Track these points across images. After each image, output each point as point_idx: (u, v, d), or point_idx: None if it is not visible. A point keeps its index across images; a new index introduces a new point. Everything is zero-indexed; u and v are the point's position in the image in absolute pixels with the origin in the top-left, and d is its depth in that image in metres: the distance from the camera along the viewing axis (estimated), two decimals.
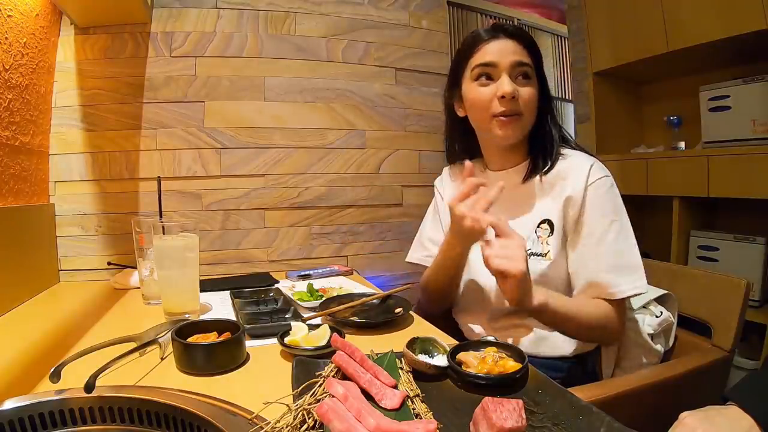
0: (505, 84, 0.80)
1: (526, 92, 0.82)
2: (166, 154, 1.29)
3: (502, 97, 0.80)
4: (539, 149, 0.87)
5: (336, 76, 1.44)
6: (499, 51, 0.83)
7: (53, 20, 1.17)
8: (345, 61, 1.45)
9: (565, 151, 0.87)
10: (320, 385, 0.51)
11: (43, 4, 1.10)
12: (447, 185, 1.04)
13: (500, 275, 0.69)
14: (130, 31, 1.26)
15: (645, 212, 1.96)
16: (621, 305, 0.80)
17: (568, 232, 0.83)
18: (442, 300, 0.95)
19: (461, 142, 0.98)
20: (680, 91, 1.84)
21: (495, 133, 0.84)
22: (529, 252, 0.83)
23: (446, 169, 1.07)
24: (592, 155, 0.86)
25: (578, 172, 0.82)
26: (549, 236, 0.83)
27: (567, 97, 2.89)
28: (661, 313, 0.90)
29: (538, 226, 0.85)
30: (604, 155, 1.92)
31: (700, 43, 1.47)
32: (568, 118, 2.97)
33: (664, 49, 1.59)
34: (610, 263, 0.79)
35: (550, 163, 0.85)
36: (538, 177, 0.86)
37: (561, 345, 0.84)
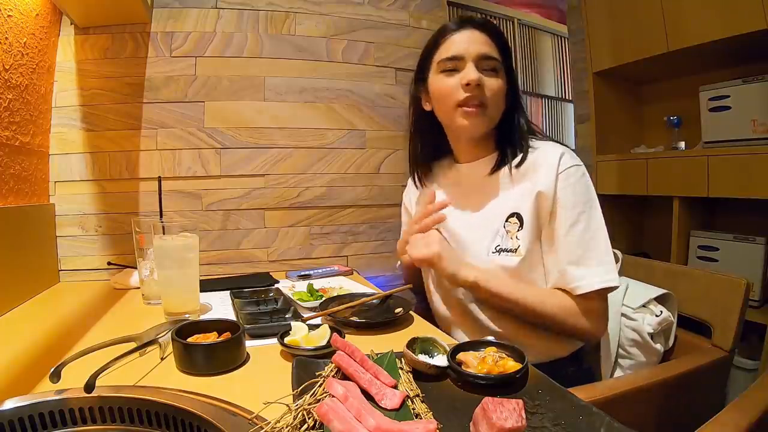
0: (470, 72, 0.80)
1: (492, 83, 0.81)
2: (166, 154, 1.29)
3: (467, 84, 0.79)
4: (507, 141, 0.87)
5: (336, 76, 1.44)
6: (466, 42, 0.82)
7: (53, 20, 1.17)
8: (345, 61, 1.45)
9: (536, 142, 0.86)
10: (320, 385, 0.51)
11: (43, 4, 1.10)
12: (413, 195, 1.05)
13: (422, 263, 0.80)
14: (130, 31, 1.25)
15: (645, 212, 1.96)
16: (590, 300, 0.77)
17: (543, 225, 0.81)
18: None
19: (428, 140, 0.97)
20: (680, 91, 1.84)
21: (459, 123, 0.83)
22: (497, 248, 0.83)
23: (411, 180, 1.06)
24: (563, 144, 0.85)
25: (549, 162, 0.80)
26: (518, 230, 0.81)
27: (567, 97, 2.89)
28: (661, 312, 0.90)
29: (506, 220, 0.83)
30: (604, 155, 1.93)
31: (700, 43, 1.47)
32: (568, 118, 2.97)
33: (664, 49, 1.59)
34: (575, 256, 0.77)
35: (521, 156, 0.83)
36: (507, 169, 0.84)
37: (549, 350, 0.83)
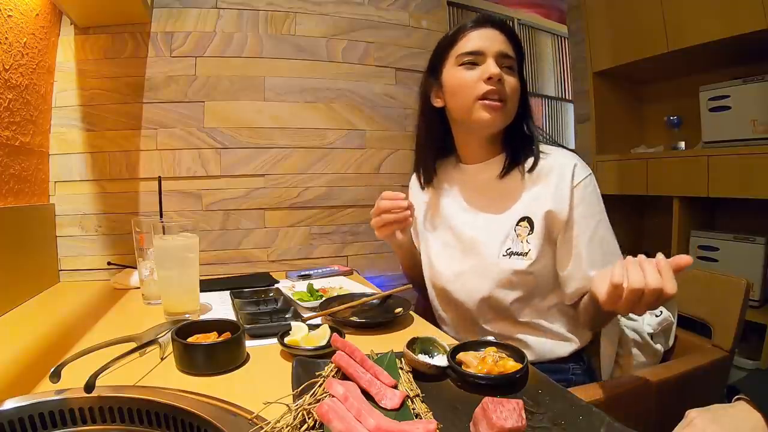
0: (491, 66, 0.79)
1: (511, 80, 0.82)
2: (166, 154, 1.29)
3: (489, 78, 0.79)
4: (514, 143, 0.87)
5: (336, 76, 1.44)
6: (486, 38, 0.82)
7: (53, 20, 1.17)
8: (345, 61, 1.45)
9: (546, 148, 0.86)
10: (320, 385, 0.51)
11: (43, 4, 1.10)
12: (416, 192, 1.03)
13: None
14: (130, 31, 1.25)
15: (645, 212, 1.96)
16: None
17: (556, 234, 0.81)
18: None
19: (435, 138, 0.95)
20: (680, 91, 1.84)
21: (478, 116, 0.81)
22: (508, 251, 0.83)
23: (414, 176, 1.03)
24: (571, 151, 0.86)
25: (562, 173, 0.81)
26: (529, 234, 0.82)
27: (567, 97, 2.89)
28: (661, 312, 0.90)
29: (517, 224, 0.83)
30: (604, 155, 1.93)
31: (700, 43, 1.47)
32: (568, 118, 2.97)
33: (664, 49, 1.60)
34: (598, 258, 0.79)
35: (533, 161, 0.84)
36: (519, 173, 0.85)
37: (550, 349, 0.84)
